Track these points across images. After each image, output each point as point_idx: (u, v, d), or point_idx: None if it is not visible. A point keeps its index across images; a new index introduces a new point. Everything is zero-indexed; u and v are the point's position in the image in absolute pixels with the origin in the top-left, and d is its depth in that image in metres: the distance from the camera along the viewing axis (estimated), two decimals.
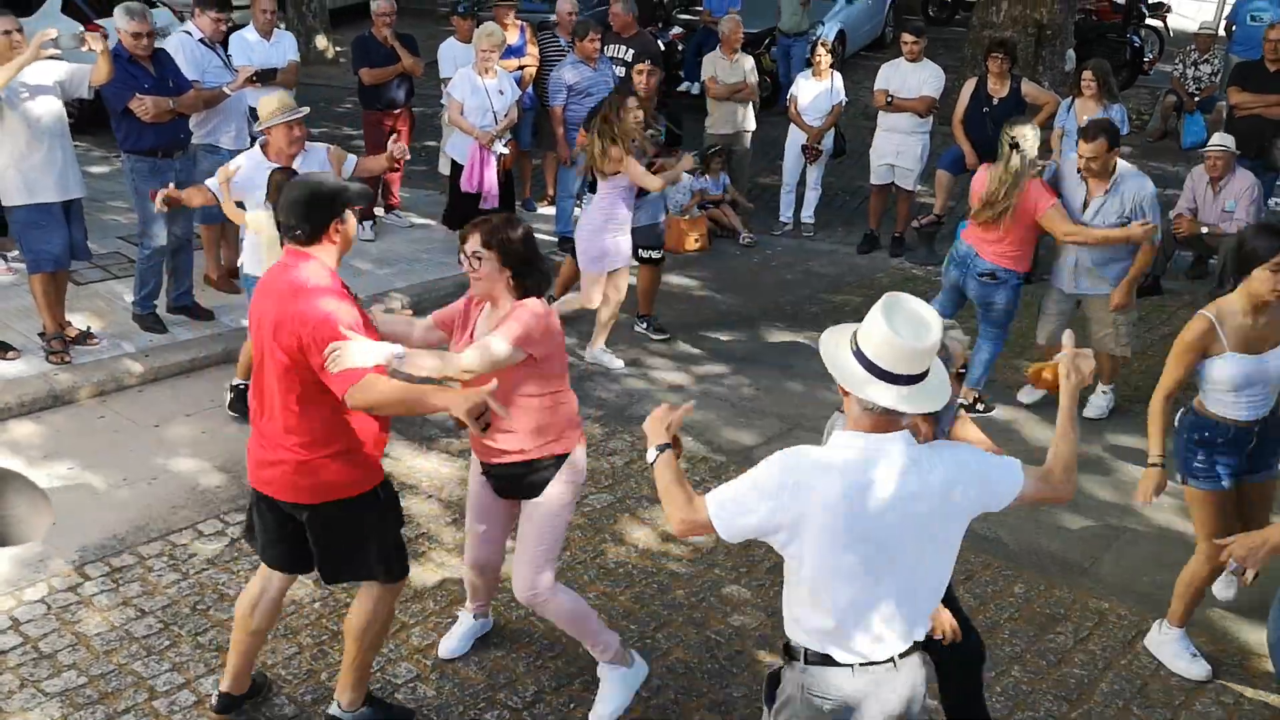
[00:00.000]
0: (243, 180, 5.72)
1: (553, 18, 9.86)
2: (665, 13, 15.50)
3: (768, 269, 9.24)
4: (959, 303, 6.70)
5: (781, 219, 10.10)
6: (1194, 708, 4.36)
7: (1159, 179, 11.83)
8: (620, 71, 9.38)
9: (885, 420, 2.70)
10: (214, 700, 4.07)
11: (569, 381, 3.98)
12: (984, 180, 6.36)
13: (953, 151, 9.11)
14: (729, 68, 9.52)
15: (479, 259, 3.73)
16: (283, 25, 8.55)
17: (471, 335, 3.86)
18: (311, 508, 3.63)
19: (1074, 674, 4.52)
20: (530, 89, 9.42)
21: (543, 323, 3.71)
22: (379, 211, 9.30)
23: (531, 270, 3.80)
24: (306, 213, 3.54)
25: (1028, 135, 6.15)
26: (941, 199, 9.24)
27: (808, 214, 10.03)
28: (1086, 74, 8.40)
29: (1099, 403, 6.71)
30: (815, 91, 9.52)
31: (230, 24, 7.69)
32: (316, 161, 5.84)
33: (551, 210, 9.62)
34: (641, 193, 6.85)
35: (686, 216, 9.44)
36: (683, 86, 13.25)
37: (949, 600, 3.56)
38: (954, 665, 3.76)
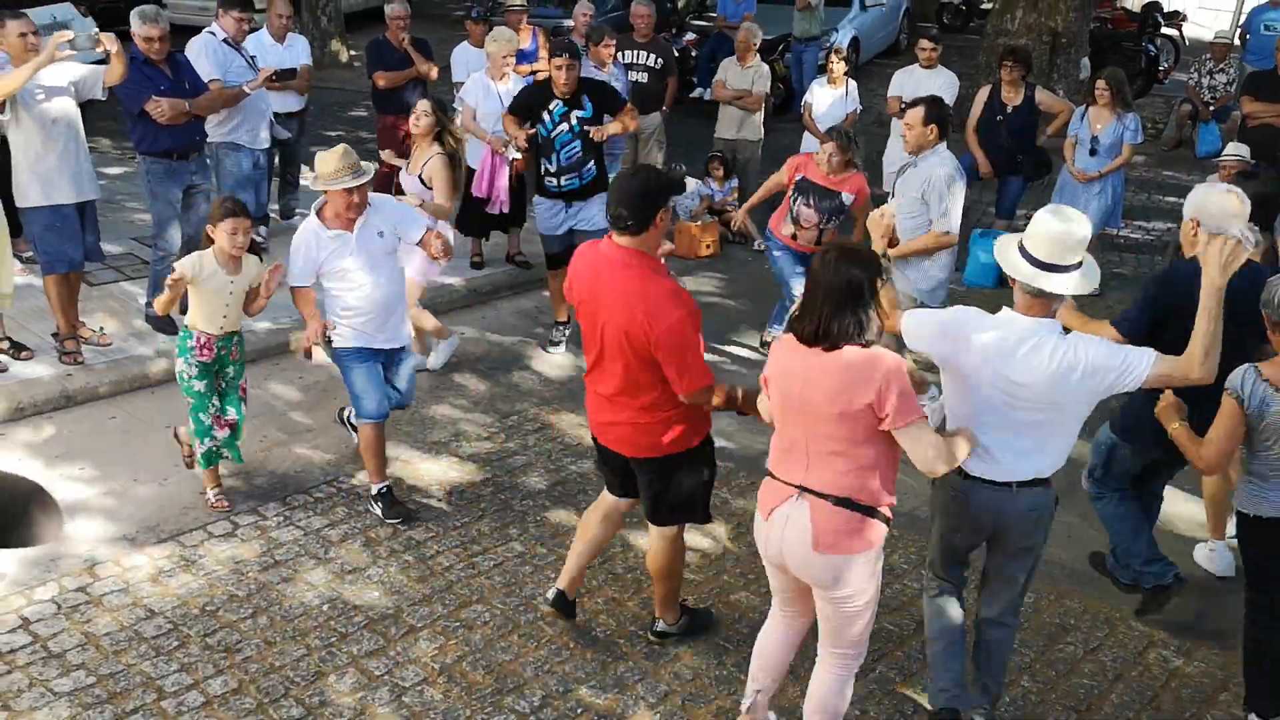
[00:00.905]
0: (302, 264, 5.13)
1: (566, 23, 9.88)
2: (679, 19, 15.53)
3: None
4: None
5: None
6: (1204, 719, 4.33)
7: (1173, 188, 11.86)
8: (643, 78, 9.39)
9: (1041, 305, 3.50)
10: (549, 596, 4.58)
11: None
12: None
13: (965, 159, 9.09)
14: (740, 74, 9.52)
15: None
16: (297, 29, 8.59)
17: None
18: (646, 461, 4.14)
19: (1083, 684, 4.49)
20: None
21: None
22: None
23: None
24: (640, 203, 3.81)
25: None
26: None
27: None
28: (1100, 82, 8.38)
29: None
30: (830, 99, 9.50)
31: (252, 24, 7.74)
32: (388, 217, 5.27)
33: None
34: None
35: (698, 222, 9.43)
36: (696, 93, 13.27)
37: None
38: None
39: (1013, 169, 8.80)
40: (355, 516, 5.37)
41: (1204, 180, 8.50)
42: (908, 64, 9.46)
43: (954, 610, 4.07)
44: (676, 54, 11.33)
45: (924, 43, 9.15)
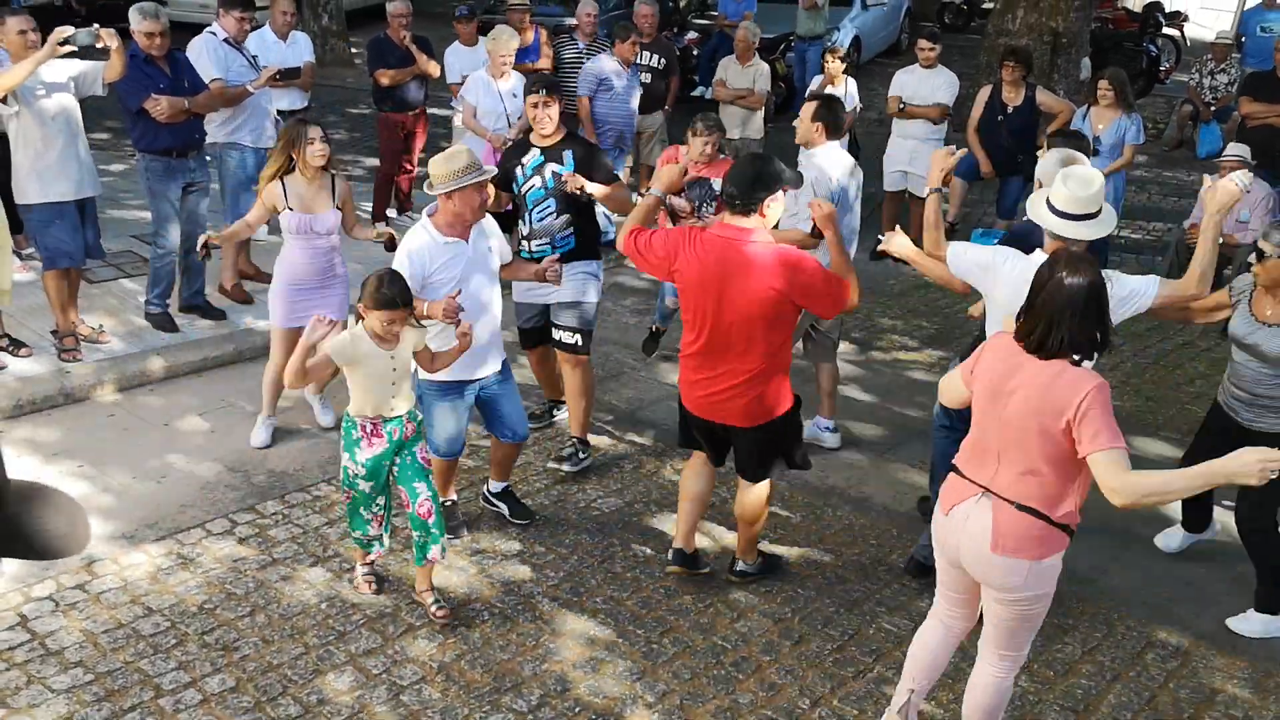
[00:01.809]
0: (409, 278, 4.48)
1: (568, 21, 9.87)
2: (681, 17, 15.52)
3: None
4: None
5: None
6: None
7: (1174, 188, 11.85)
8: (646, 78, 9.39)
9: (1065, 246, 4.04)
10: (670, 556, 4.92)
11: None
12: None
13: (967, 159, 9.09)
14: (741, 73, 9.51)
15: None
16: (299, 27, 8.58)
17: None
18: (755, 430, 4.53)
19: (1081, 685, 4.49)
20: None
21: None
22: (391, 213, 9.33)
23: None
24: (749, 187, 4.20)
25: None
26: (955, 206, 9.21)
27: None
28: (1103, 82, 8.37)
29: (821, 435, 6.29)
30: None
31: (253, 23, 7.73)
32: (494, 231, 4.97)
33: None
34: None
35: (701, 222, 9.42)
36: (697, 91, 13.27)
37: None
38: None
39: (1013, 169, 8.80)
40: None
41: (1202, 182, 8.51)
42: (908, 64, 9.45)
43: None
44: (678, 53, 11.35)
45: (923, 42, 9.14)
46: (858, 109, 9.64)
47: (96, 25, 5.98)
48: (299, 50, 8.34)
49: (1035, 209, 4.21)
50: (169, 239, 6.83)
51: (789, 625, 4.74)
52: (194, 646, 4.41)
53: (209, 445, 5.94)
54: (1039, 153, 5.73)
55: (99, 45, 5.97)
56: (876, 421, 6.66)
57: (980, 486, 3.54)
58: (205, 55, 7.18)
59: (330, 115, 12.40)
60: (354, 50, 15.55)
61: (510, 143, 6.77)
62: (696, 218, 6.26)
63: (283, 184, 5.58)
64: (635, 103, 9.13)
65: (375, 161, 9.87)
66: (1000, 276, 4.32)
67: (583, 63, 9.23)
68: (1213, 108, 12.49)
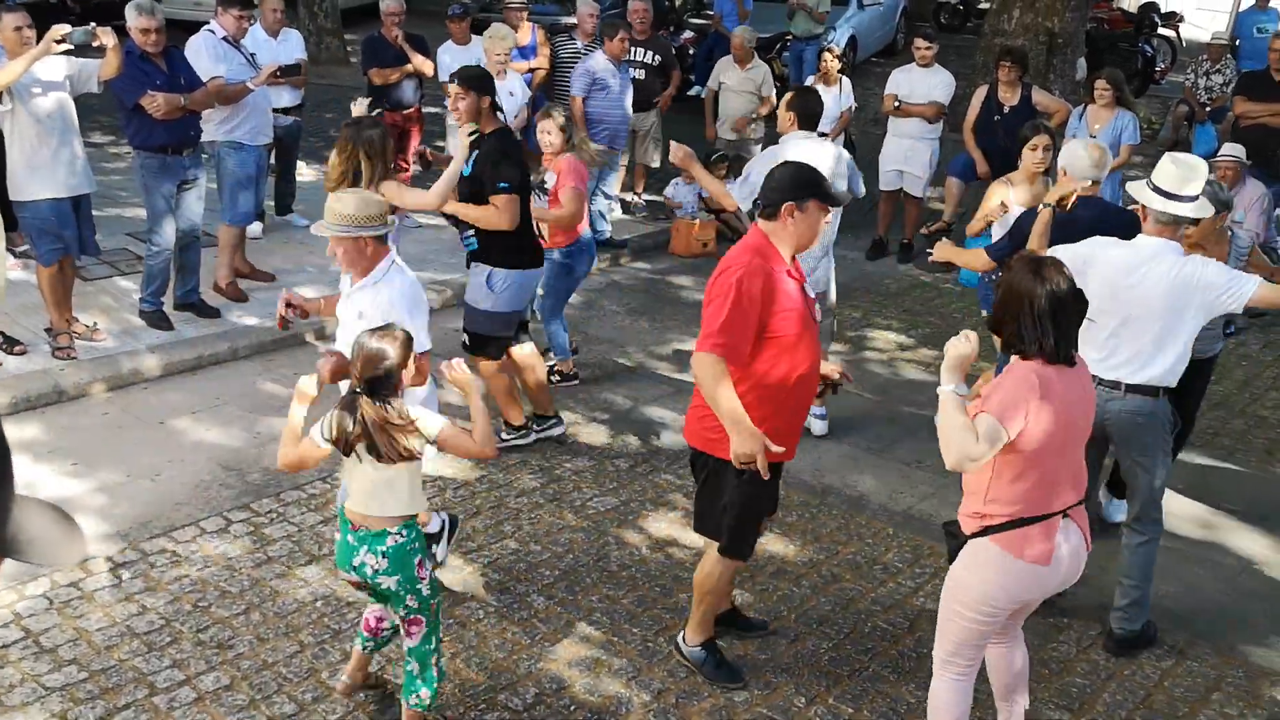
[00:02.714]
0: None
1: (564, 20, 9.87)
2: (677, 16, 15.52)
3: None
4: None
5: None
6: (1198, 717, 4.33)
7: None
8: (640, 75, 9.39)
9: (1169, 230, 4.31)
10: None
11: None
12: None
13: (963, 159, 9.10)
14: (740, 76, 9.51)
15: None
16: (292, 25, 8.58)
17: None
18: (694, 452, 4.12)
19: (1076, 683, 4.49)
20: (541, 91, 9.43)
21: None
22: None
23: None
24: (773, 190, 3.89)
25: None
26: (951, 206, 9.22)
27: None
28: (1100, 82, 8.39)
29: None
30: (825, 97, 9.51)
31: (251, 21, 7.72)
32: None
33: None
34: None
35: (696, 221, 9.43)
36: (693, 91, 13.27)
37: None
38: None
39: (1010, 169, 8.77)
40: None
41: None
42: (904, 64, 9.46)
43: None
44: (674, 51, 11.33)
45: (919, 42, 9.16)
46: (853, 108, 9.65)
47: (93, 24, 5.97)
48: (290, 47, 8.33)
49: (1139, 192, 4.35)
50: (164, 236, 6.82)
51: (784, 623, 4.73)
52: (188, 644, 4.40)
53: (203, 443, 5.92)
54: (1026, 147, 5.98)
55: (95, 44, 5.96)
56: (872, 420, 6.66)
57: (1059, 515, 3.51)
58: (204, 53, 7.17)
59: (324, 114, 12.38)
60: (349, 49, 15.53)
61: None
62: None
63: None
64: (629, 101, 9.12)
65: None
66: (1097, 267, 4.31)
67: (591, 54, 9.23)
68: (1208, 108, 12.51)
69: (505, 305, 5.73)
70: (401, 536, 3.68)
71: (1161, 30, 16.33)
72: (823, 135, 9.42)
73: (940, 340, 7.74)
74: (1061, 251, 4.40)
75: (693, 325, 7.77)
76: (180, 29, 8.18)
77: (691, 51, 14.03)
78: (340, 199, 4.02)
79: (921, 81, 9.10)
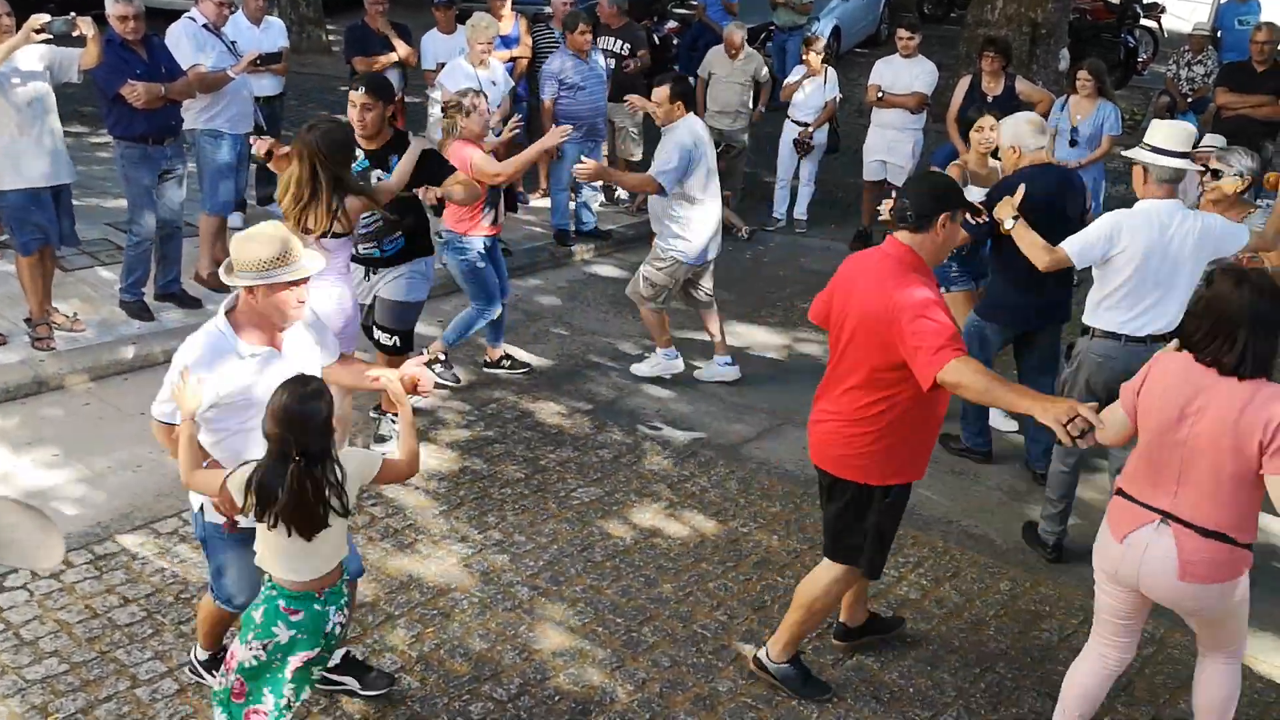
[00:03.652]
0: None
1: (547, 9, 9.82)
2: (661, 6, 15.47)
3: (760, 264, 9.24)
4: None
5: (775, 214, 10.09)
6: (1178, 705, 4.35)
7: None
8: (611, 64, 9.35)
9: (1169, 189, 4.70)
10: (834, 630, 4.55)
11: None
12: None
13: (947, 149, 9.09)
14: (731, 66, 9.49)
15: None
16: (275, 13, 8.52)
17: None
18: (829, 477, 4.03)
19: (1058, 671, 4.49)
20: (524, 81, 9.39)
21: None
22: None
23: None
24: (926, 201, 3.74)
25: None
26: None
27: (801, 210, 10.02)
28: (1082, 73, 8.40)
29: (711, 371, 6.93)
30: (809, 87, 9.51)
31: (233, 9, 7.66)
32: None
33: (545, 203, 9.59)
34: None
35: None
36: None
37: None
38: None
39: (993, 158, 8.81)
40: None
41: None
42: (888, 54, 9.46)
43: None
44: (658, 42, 11.29)
45: (902, 32, 9.18)
46: (838, 99, 9.65)
47: (73, 13, 5.91)
48: (273, 35, 8.27)
49: (1140, 155, 4.68)
50: (144, 226, 6.77)
51: (768, 613, 4.74)
52: (170, 636, 4.39)
53: None
54: (972, 130, 6.59)
55: (75, 33, 5.91)
56: None
57: (1158, 513, 3.46)
58: (184, 41, 7.12)
59: (307, 103, 12.31)
60: (331, 38, 15.44)
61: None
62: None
63: None
64: (603, 93, 9.03)
65: None
66: (1123, 236, 4.66)
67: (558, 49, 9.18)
68: (1189, 99, 12.52)
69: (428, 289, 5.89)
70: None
71: (1144, 21, 16.36)
72: (804, 124, 9.55)
73: None
74: (1086, 243, 4.76)
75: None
76: (161, 17, 8.10)
77: (675, 42, 13.99)
78: (258, 240, 3.58)
79: (904, 72, 9.11)
